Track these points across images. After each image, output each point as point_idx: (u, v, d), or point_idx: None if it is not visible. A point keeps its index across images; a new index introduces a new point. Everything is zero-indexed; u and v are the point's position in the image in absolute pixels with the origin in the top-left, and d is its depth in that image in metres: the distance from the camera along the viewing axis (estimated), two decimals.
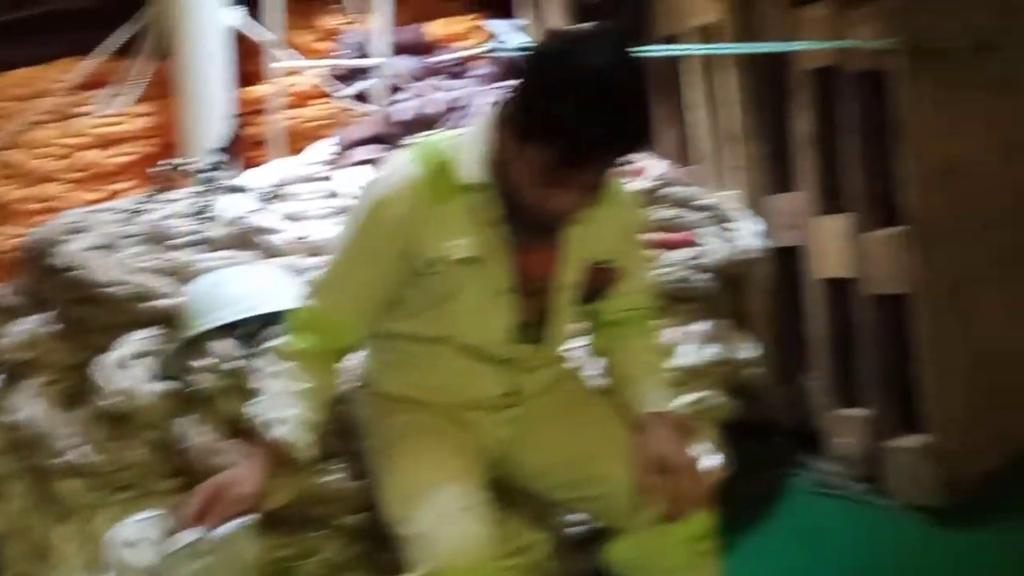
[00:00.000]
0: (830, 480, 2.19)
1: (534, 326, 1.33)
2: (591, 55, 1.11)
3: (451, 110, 2.00)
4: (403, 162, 1.28)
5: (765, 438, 2.36)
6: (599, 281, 1.35)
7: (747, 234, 2.13)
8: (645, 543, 1.31)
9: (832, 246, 2.08)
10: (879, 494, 2.14)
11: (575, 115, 1.09)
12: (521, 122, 1.15)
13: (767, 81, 2.11)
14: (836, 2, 1.95)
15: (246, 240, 1.78)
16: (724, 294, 2.23)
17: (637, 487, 1.29)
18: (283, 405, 1.25)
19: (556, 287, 1.32)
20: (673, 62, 2.27)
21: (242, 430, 1.35)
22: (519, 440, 1.39)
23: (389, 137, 2.03)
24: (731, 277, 2.17)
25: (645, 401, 1.37)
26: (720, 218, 2.16)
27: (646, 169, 2.16)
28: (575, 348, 1.61)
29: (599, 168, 1.17)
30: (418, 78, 2.29)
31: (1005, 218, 2.15)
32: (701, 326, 2.01)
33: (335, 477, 1.42)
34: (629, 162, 1.23)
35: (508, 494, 1.47)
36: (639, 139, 1.20)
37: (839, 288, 2.12)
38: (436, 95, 2.07)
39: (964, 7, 2.05)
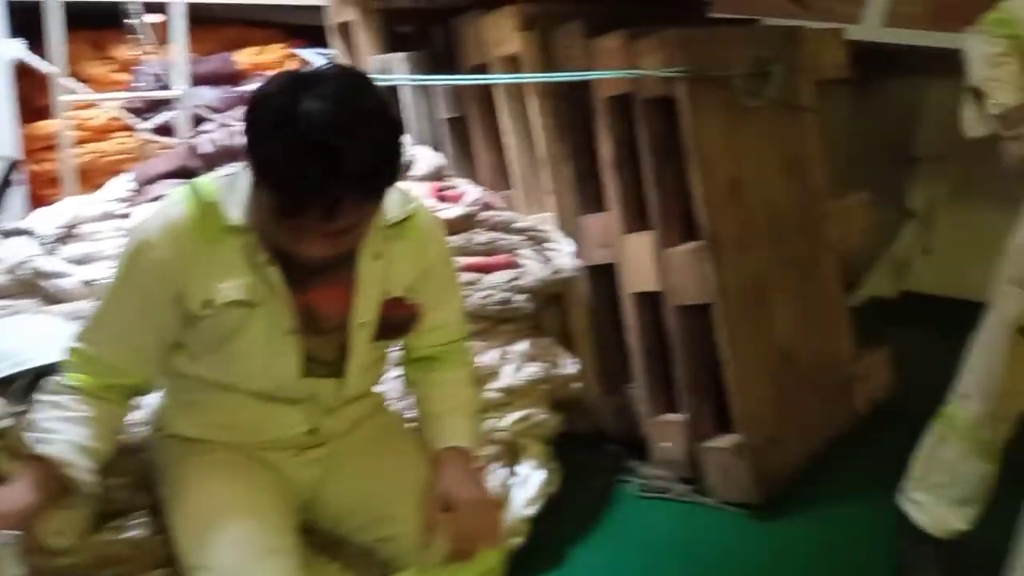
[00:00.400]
0: (655, 484, 2.30)
1: (333, 363, 1.30)
2: (306, 99, 1.05)
3: None
4: (169, 203, 1.23)
5: (596, 448, 2.46)
6: (398, 316, 1.33)
7: (563, 254, 2.21)
8: None
9: (640, 262, 2.19)
10: (700, 493, 2.27)
11: (282, 161, 1.05)
12: (249, 165, 1.12)
13: (571, 108, 2.20)
14: (626, 33, 2.07)
15: (29, 286, 1.64)
16: (547, 313, 2.31)
17: (422, 526, 1.28)
18: (57, 428, 1.17)
19: (353, 324, 1.28)
20: (488, 90, 2.32)
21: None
22: (325, 481, 1.35)
23: (193, 170, 1.94)
24: (551, 296, 2.25)
25: (443, 437, 1.37)
26: (537, 240, 2.22)
27: (464, 194, 2.19)
28: (391, 380, 1.60)
29: (332, 213, 1.08)
30: (224, 108, 2.22)
31: (792, 228, 2.36)
32: (522, 346, 2.06)
33: (134, 533, 1.34)
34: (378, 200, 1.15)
35: (332, 540, 1.44)
36: (367, 182, 1.10)
37: (650, 301, 2.24)
38: (239, 126, 2.00)
39: (741, 38, 2.24)
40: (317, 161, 1.04)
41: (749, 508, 2.19)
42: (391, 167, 1.14)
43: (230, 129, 2.05)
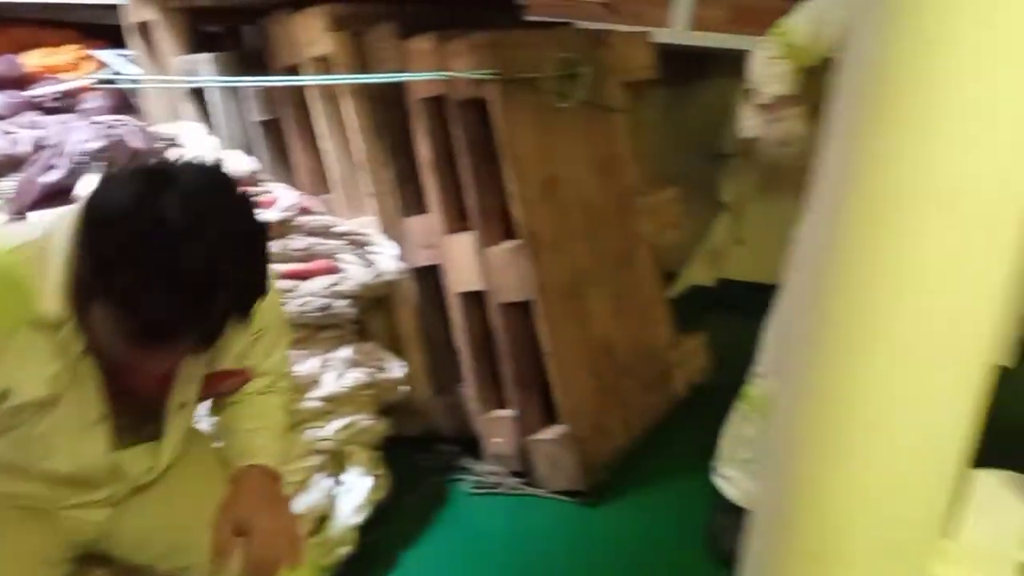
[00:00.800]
0: (487, 480, 2.33)
1: (147, 439, 1.21)
2: (166, 209, 0.91)
3: (40, 148, 1.80)
4: None
5: (430, 449, 2.46)
6: (224, 385, 1.27)
7: (386, 257, 2.19)
8: None
9: (463, 262, 2.21)
10: (531, 485, 2.33)
11: (142, 294, 0.92)
12: (89, 274, 0.97)
13: (387, 109, 2.19)
14: (437, 36, 2.08)
15: None
16: (373, 317, 2.29)
17: (212, 552, 1.21)
18: None
19: (171, 407, 1.19)
20: (301, 91, 2.27)
21: None
22: (117, 516, 1.26)
23: None
24: (377, 300, 2.23)
25: (245, 453, 1.31)
26: (358, 243, 2.20)
27: (277, 199, 2.13)
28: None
29: (195, 347, 1.00)
30: (8, 115, 2.04)
31: (606, 224, 2.45)
32: (344, 352, 2.04)
33: None
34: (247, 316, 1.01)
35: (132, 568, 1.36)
36: (240, 313, 0.99)
37: (475, 300, 2.26)
38: (22, 133, 1.85)
39: (551, 40, 2.31)
40: (188, 300, 0.93)
41: (578, 496, 2.27)
42: (261, 292, 1.03)
43: (13, 136, 1.89)
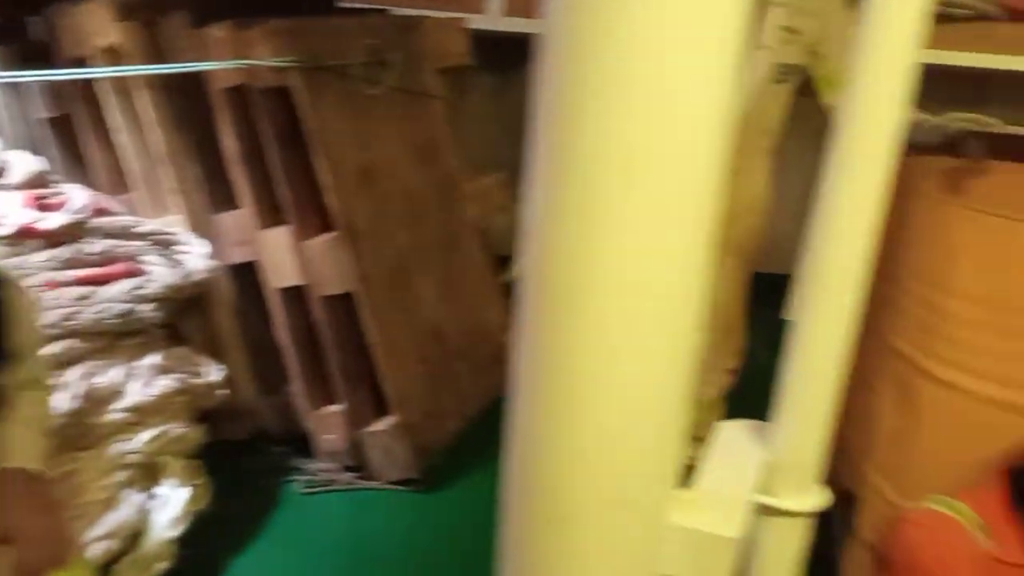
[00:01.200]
0: (320, 478, 2.29)
1: None
2: None
3: None
4: None
5: (261, 452, 2.39)
6: None
7: (195, 257, 2.09)
8: None
9: (280, 257, 2.15)
10: (366, 479, 2.30)
11: None
12: None
13: (188, 101, 2.09)
14: (235, 23, 2.00)
15: None
16: (187, 320, 2.18)
17: None
18: None
19: None
20: (91, 85, 2.12)
21: None
22: None
23: None
24: (188, 302, 2.13)
25: (5, 454, 1.23)
26: (164, 243, 2.09)
27: (68, 201, 1.98)
28: None
29: None
30: None
31: (430, 210, 2.45)
32: (151, 359, 1.93)
33: None
34: None
35: None
36: None
37: (296, 295, 2.21)
38: None
39: (359, 27, 2.27)
40: None
41: (413, 484, 2.27)
42: None
43: None
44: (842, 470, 1.76)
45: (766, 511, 0.89)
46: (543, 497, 0.75)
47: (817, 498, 0.89)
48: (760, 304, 2.25)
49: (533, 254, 0.72)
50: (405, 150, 2.35)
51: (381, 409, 2.26)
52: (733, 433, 0.93)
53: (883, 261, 1.78)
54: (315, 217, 2.13)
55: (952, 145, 1.58)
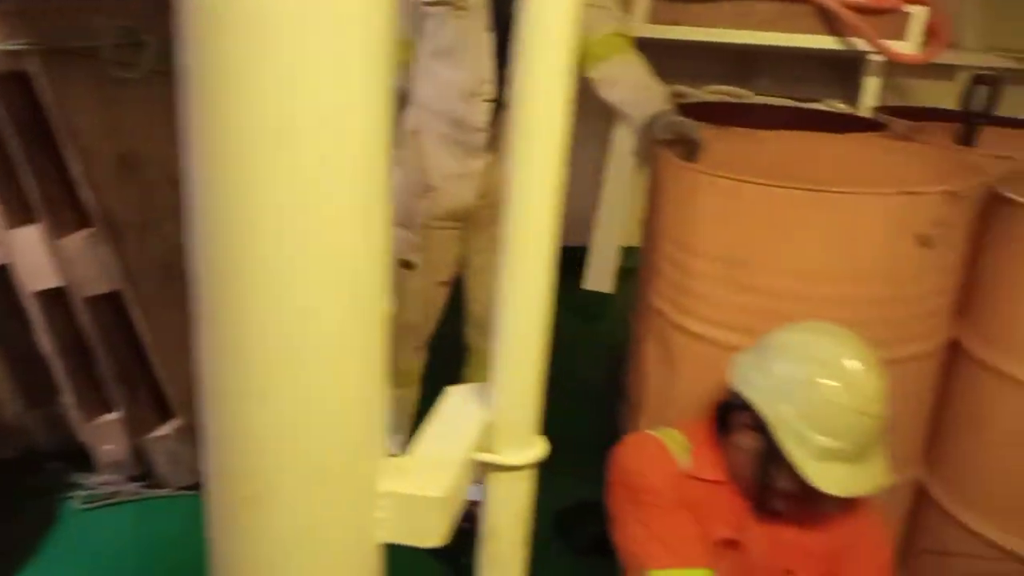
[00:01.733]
0: (102, 491, 2.14)
1: None
2: None
3: None
4: None
5: (33, 470, 2.20)
6: None
7: None
8: None
9: (33, 258, 1.97)
10: (154, 487, 2.18)
11: None
12: None
13: None
14: None
15: None
16: None
17: None
18: None
19: None
20: None
21: None
22: None
23: None
24: None
25: None
26: None
27: None
28: None
29: None
30: None
31: None
32: None
33: None
34: None
35: None
36: None
37: (57, 297, 2.04)
38: None
39: (111, 8, 2.11)
40: None
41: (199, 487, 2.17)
42: None
43: None
44: (629, 427, 1.88)
45: (490, 468, 0.92)
46: (238, 481, 0.73)
47: (537, 450, 0.93)
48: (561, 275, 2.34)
49: (197, 241, 0.71)
50: (169, 134, 2.21)
51: (164, 413, 2.15)
52: (456, 397, 0.95)
53: (649, 233, 1.91)
54: (70, 212, 1.97)
55: (688, 140, 1.71)
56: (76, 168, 1.91)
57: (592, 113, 1.74)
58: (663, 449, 1.30)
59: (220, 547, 0.78)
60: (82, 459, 2.18)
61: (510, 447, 0.91)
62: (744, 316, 1.53)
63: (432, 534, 0.80)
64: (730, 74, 3.29)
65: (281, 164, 0.63)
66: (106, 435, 2.13)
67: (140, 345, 2.06)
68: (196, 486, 2.16)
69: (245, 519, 0.74)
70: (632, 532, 1.27)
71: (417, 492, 0.79)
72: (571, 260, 1.90)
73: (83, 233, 1.96)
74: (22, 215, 1.97)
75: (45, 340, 2.07)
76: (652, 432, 1.35)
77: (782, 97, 2.99)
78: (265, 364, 0.69)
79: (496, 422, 0.91)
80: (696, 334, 1.62)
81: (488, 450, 0.91)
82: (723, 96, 3.08)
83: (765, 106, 2.83)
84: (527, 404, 0.91)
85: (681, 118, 1.75)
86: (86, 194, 1.93)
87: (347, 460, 0.75)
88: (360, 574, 0.80)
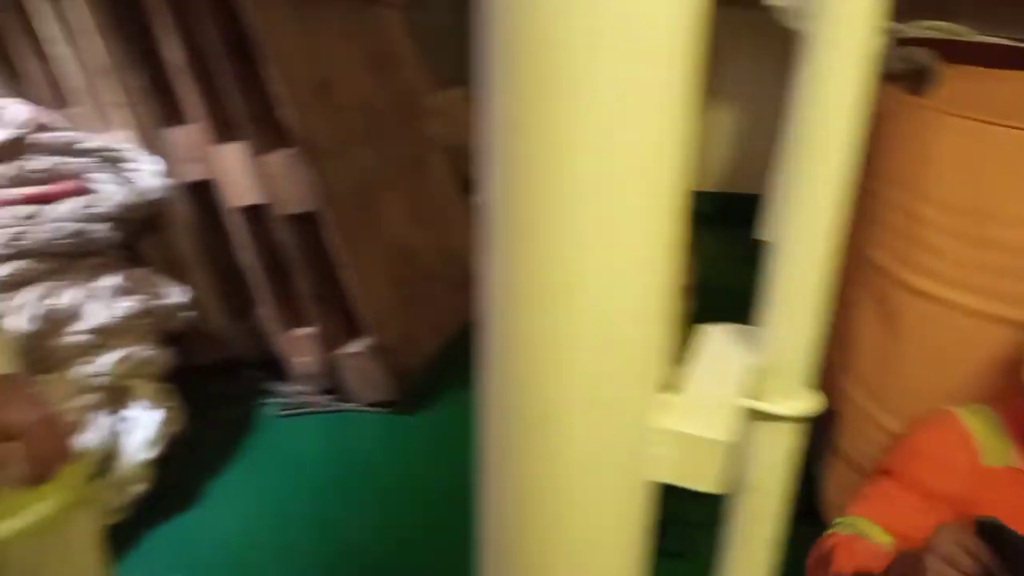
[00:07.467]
0: (296, 401, 2.25)
1: None
2: None
3: None
4: None
5: (232, 376, 2.34)
6: None
7: (147, 174, 1.98)
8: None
9: (236, 175, 2.04)
10: (343, 401, 2.27)
11: None
12: None
13: (127, 8, 1.94)
14: None
15: None
16: (148, 240, 2.09)
17: None
18: None
19: None
20: None
21: None
22: None
23: None
24: (142, 221, 2.03)
25: None
26: (112, 160, 1.97)
27: (7, 115, 1.85)
28: None
29: None
30: None
31: (391, 126, 2.34)
32: (111, 280, 1.84)
33: None
34: None
35: None
36: None
37: (258, 214, 2.11)
38: None
39: None
40: None
41: (390, 406, 2.24)
42: None
43: None
44: (822, 386, 1.74)
45: (756, 416, 0.86)
46: (524, 401, 0.70)
47: (808, 403, 0.85)
48: (731, 224, 2.20)
49: (495, 153, 0.65)
50: (362, 63, 2.22)
51: (355, 331, 2.21)
52: (716, 338, 0.88)
53: (860, 173, 1.73)
54: (271, 132, 2.02)
55: (919, 73, 1.51)
56: (278, 89, 1.94)
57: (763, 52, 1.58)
58: (967, 438, 1.13)
59: (498, 471, 0.76)
60: (277, 369, 2.30)
61: (780, 396, 0.84)
62: (985, 275, 1.36)
63: (709, 479, 0.75)
64: (921, 8, 2.94)
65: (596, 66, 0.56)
66: (300, 348, 2.22)
67: (334, 265, 2.11)
68: (383, 403, 2.23)
69: (530, 443, 0.71)
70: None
71: (697, 432, 0.73)
72: (740, 209, 1.76)
73: (283, 153, 2.01)
74: (226, 132, 2.04)
75: (246, 255, 2.16)
76: (955, 412, 1.16)
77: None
78: (558, 286, 0.65)
79: (766, 368, 0.84)
80: (926, 293, 1.46)
81: (757, 397, 0.84)
82: (939, 33, 2.76)
83: (995, 44, 2.51)
84: (802, 351, 0.83)
85: (913, 47, 1.56)
86: (287, 115, 1.97)
87: (628, 388, 0.70)
88: (634, 510, 0.76)
